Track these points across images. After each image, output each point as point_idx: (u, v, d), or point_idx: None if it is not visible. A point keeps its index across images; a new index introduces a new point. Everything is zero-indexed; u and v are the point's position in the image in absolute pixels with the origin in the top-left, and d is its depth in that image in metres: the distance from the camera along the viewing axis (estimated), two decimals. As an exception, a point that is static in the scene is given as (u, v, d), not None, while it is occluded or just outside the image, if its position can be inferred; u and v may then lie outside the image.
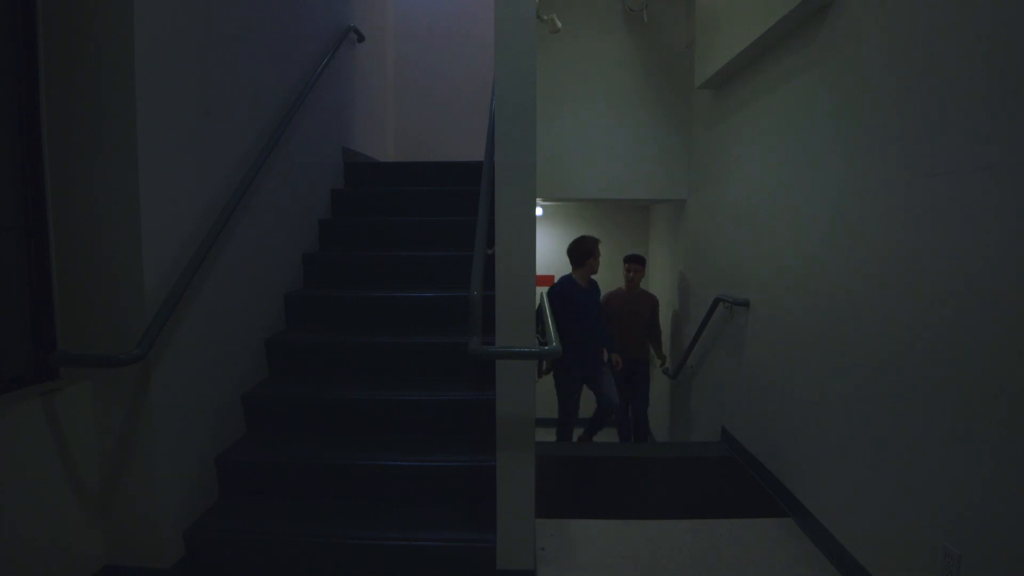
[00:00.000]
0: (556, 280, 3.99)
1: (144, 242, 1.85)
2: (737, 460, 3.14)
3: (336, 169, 3.73)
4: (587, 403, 4.31)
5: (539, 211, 5.80)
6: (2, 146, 1.72)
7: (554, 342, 1.89)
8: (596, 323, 3.99)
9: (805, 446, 2.44)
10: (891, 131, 1.88)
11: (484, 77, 4.71)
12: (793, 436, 2.55)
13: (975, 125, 1.54)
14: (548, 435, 4.22)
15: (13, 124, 1.75)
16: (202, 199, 2.17)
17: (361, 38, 4.08)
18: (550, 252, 6.06)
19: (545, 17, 4.01)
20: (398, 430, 2.48)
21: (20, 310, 1.78)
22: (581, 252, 3.94)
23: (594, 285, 4.09)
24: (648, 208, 6.14)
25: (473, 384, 2.59)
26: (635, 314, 4.46)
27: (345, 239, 3.40)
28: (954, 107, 1.61)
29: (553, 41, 4.27)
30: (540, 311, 3.04)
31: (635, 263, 4.48)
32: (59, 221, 1.84)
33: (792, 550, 2.28)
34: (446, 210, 3.51)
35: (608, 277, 4.99)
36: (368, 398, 2.50)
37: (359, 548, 2.02)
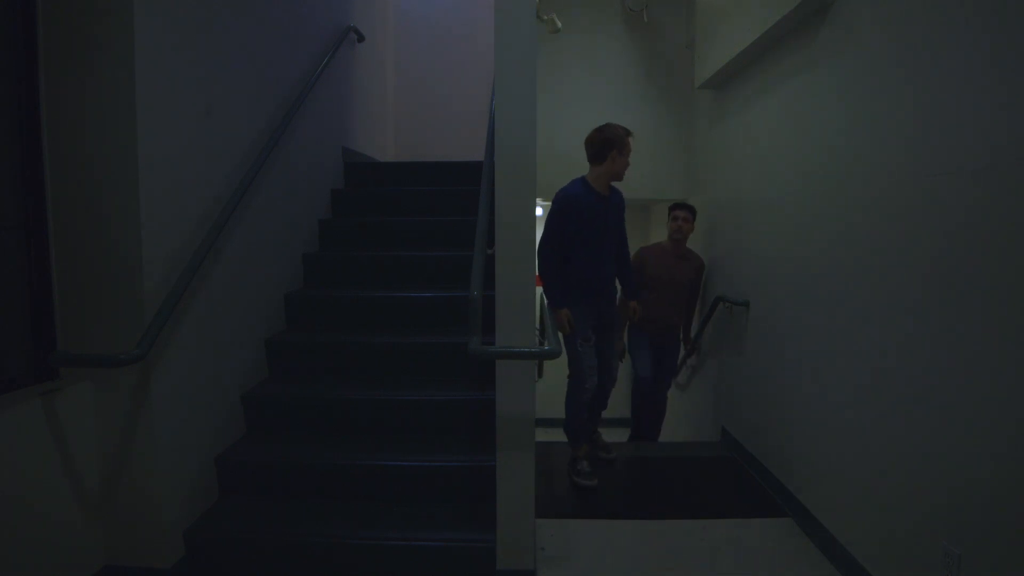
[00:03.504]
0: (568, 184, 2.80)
1: (144, 242, 1.85)
2: (737, 460, 3.14)
3: (336, 169, 3.73)
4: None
5: (539, 211, 5.79)
6: (2, 146, 1.72)
7: (554, 342, 1.88)
8: (617, 245, 2.88)
9: (805, 446, 2.44)
10: (892, 131, 1.88)
11: (484, 77, 4.71)
12: (793, 436, 2.55)
13: (976, 125, 1.54)
14: (548, 435, 4.21)
15: (13, 124, 1.75)
16: (202, 199, 2.17)
17: (361, 38, 4.08)
18: (550, 252, 6.05)
19: (545, 17, 4.01)
20: (398, 430, 2.48)
21: (20, 310, 1.78)
22: (600, 143, 2.73)
23: (618, 196, 2.87)
24: (648, 208, 6.14)
25: (473, 384, 2.59)
26: (675, 280, 3.48)
27: (345, 239, 3.40)
28: (955, 107, 1.61)
29: (553, 41, 4.27)
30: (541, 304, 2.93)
31: (685, 210, 3.48)
32: (59, 221, 1.84)
33: (792, 550, 2.28)
34: (446, 210, 3.51)
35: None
36: (368, 398, 2.50)
37: (359, 548, 2.02)
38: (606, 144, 2.71)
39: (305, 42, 3.18)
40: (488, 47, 3.21)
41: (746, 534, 2.41)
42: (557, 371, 3.42)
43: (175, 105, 2.00)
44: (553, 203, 2.73)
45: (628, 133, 2.76)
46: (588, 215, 2.69)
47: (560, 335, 2.51)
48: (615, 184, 2.83)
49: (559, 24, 4.06)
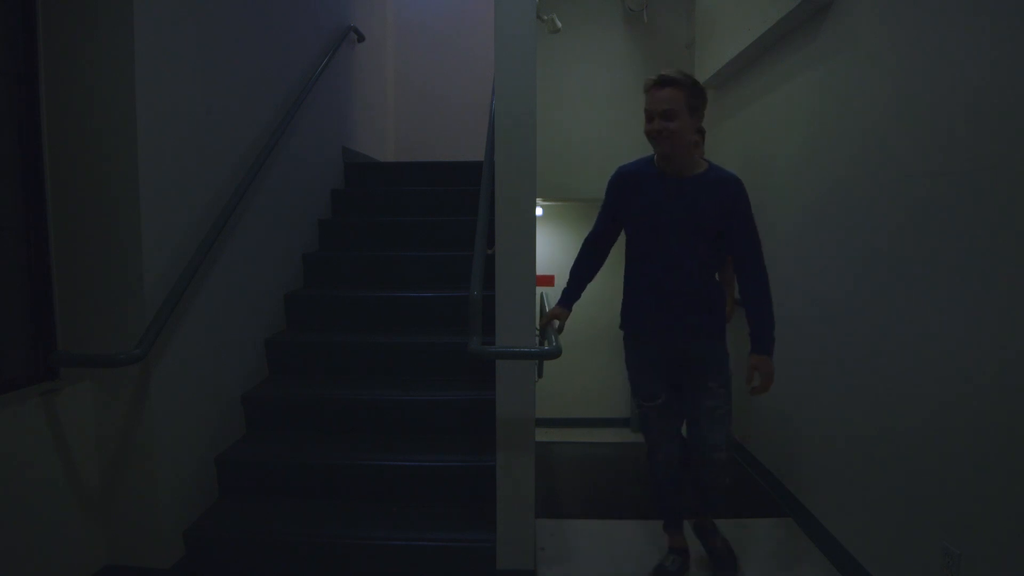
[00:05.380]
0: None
1: (144, 242, 1.85)
2: (737, 460, 3.14)
3: (336, 169, 3.73)
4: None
5: (539, 211, 5.79)
6: (2, 146, 1.72)
7: (555, 342, 1.88)
8: (693, 248, 1.87)
9: (805, 446, 2.44)
10: (892, 131, 1.88)
11: (484, 77, 4.70)
12: (793, 436, 2.55)
13: (976, 126, 1.54)
14: (548, 435, 4.22)
15: (13, 124, 1.75)
16: (202, 199, 2.17)
17: (361, 38, 4.08)
18: (550, 252, 6.06)
19: (545, 17, 4.01)
20: (398, 430, 2.48)
21: (20, 310, 1.78)
22: None
23: (713, 181, 1.87)
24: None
25: (473, 384, 2.59)
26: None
27: (345, 239, 3.40)
28: (956, 107, 1.61)
29: (553, 41, 4.27)
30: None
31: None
32: (59, 221, 1.84)
33: (792, 550, 2.28)
34: (446, 210, 3.51)
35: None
36: (368, 398, 2.50)
37: (359, 548, 2.02)
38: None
39: (305, 42, 3.18)
40: (488, 47, 3.21)
41: (746, 534, 2.40)
42: (557, 371, 3.40)
43: (175, 104, 2.00)
44: (609, 180, 2.03)
45: (653, 82, 1.89)
46: (640, 202, 1.90)
47: (556, 334, 1.96)
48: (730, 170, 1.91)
49: (559, 24, 4.06)
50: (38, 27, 1.78)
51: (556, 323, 2.02)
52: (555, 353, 1.81)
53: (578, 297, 2.08)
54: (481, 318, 1.85)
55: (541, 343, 2.01)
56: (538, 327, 2.12)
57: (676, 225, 1.87)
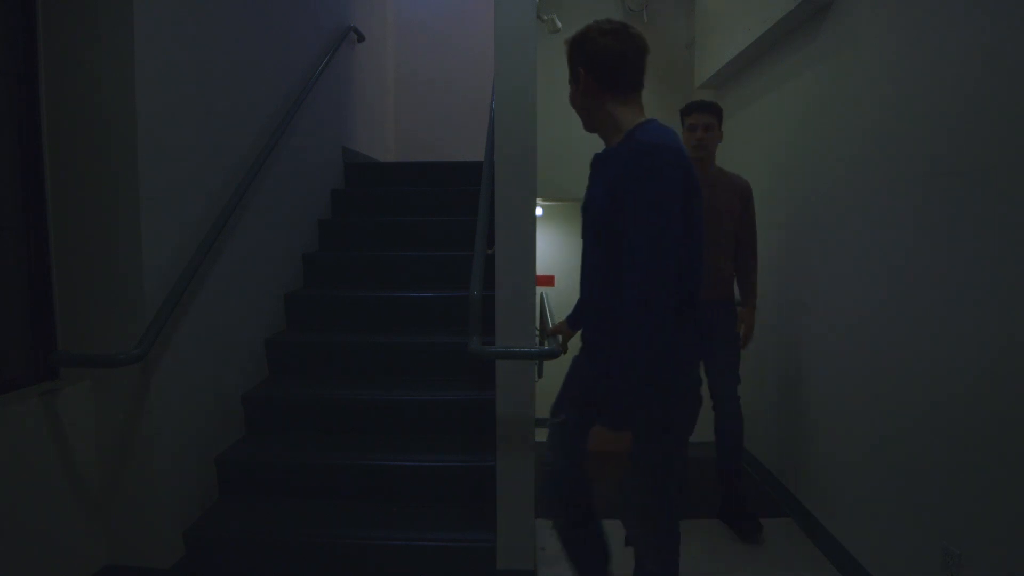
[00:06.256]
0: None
1: (144, 242, 1.85)
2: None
3: (336, 169, 3.73)
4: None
5: (539, 211, 5.79)
6: (2, 146, 1.72)
7: (554, 342, 1.88)
8: (590, 246, 1.46)
9: (805, 446, 2.44)
10: (892, 131, 1.88)
11: (484, 77, 4.70)
12: (793, 436, 2.55)
13: (976, 126, 1.53)
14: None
15: (13, 124, 1.74)
16: (202, 199, 2.17)
17: (361, 38, 4.08)
18: (550, 252, 6.06)
19: (545, 17, 4.01)
20: (398, 430, 2.48)
21: (20, 310, 1.78)
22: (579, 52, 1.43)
23: (622, 155, 1.32)
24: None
25: (473, 384, 2.59)
26: (712, 213, 2.11)
27: (345, 239, 3.40)
28: (955, 107, 1.61)
29: (553, 41, 4.27)
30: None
31: (704, 114, 2.33)
32: (59, 221, 1.84)
33: (792, 550, 2.28)
34: (446, 210, 3.51)
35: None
36: (368, 398, 2.50)
37: (359, 548, 2.02)
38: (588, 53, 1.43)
39: (305, 42, 3.18)
40: (488, 47, 3.21)
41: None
42: (557, 371, 3.39)
43: (175, 104, 2.00)
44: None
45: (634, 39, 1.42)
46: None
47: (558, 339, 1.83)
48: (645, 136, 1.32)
49: (559, 24, 4.06)
50: (38, 27, 1.78)
51: (559, 337, 1.86)
52: (555, 353, 1.81)
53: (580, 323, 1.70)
54: (481, 318, 1.85)
55: (541, 343, 2.01)
56: (538, 327, 2.12)
57: (588, 219, 1.46)
